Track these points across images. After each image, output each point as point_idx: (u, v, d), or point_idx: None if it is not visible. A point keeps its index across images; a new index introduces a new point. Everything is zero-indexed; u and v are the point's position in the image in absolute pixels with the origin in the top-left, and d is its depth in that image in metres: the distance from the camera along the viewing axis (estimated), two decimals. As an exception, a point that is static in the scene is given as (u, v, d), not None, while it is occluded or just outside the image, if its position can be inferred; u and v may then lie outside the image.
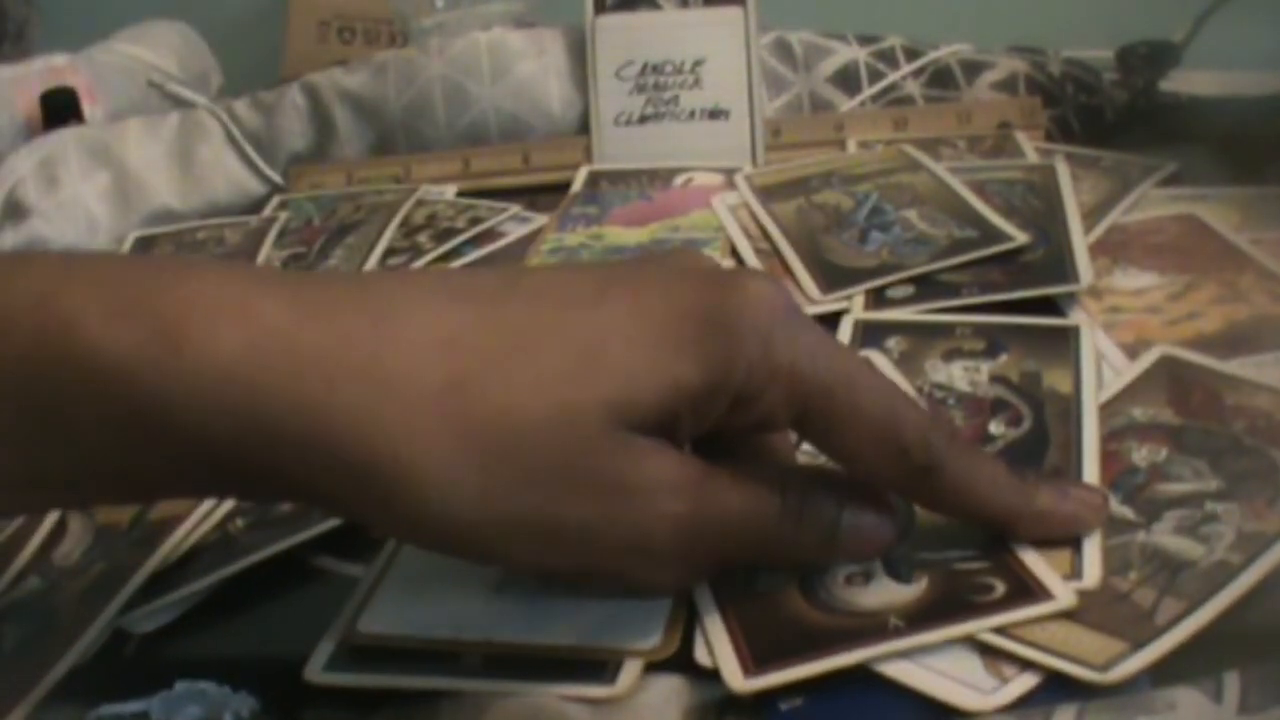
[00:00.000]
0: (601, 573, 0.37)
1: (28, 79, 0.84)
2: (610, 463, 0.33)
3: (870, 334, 0.53)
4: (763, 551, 0.37)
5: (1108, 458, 0.43)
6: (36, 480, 0.34)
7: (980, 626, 0.35)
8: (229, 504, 0.46)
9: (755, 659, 0.35)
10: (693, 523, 0.34)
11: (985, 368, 0.49)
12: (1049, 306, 0.54)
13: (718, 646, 0.36)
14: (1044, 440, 0.44)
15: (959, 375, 0.49)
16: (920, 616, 0.36)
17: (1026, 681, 0.34)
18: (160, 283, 0.33)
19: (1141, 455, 0.43)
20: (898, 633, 0.36)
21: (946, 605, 0.36)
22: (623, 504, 0.33)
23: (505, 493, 0.33)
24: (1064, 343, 0.50)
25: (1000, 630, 0.35)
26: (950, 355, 0.50)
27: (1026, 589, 0.37)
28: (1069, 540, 0.38)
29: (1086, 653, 0.34)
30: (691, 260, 0.38)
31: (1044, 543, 0.38)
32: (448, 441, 0.32)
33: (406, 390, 0.32)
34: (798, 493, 0.36)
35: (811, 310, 0.57)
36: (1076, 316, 0.53)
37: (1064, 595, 0.36)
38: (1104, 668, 0.34)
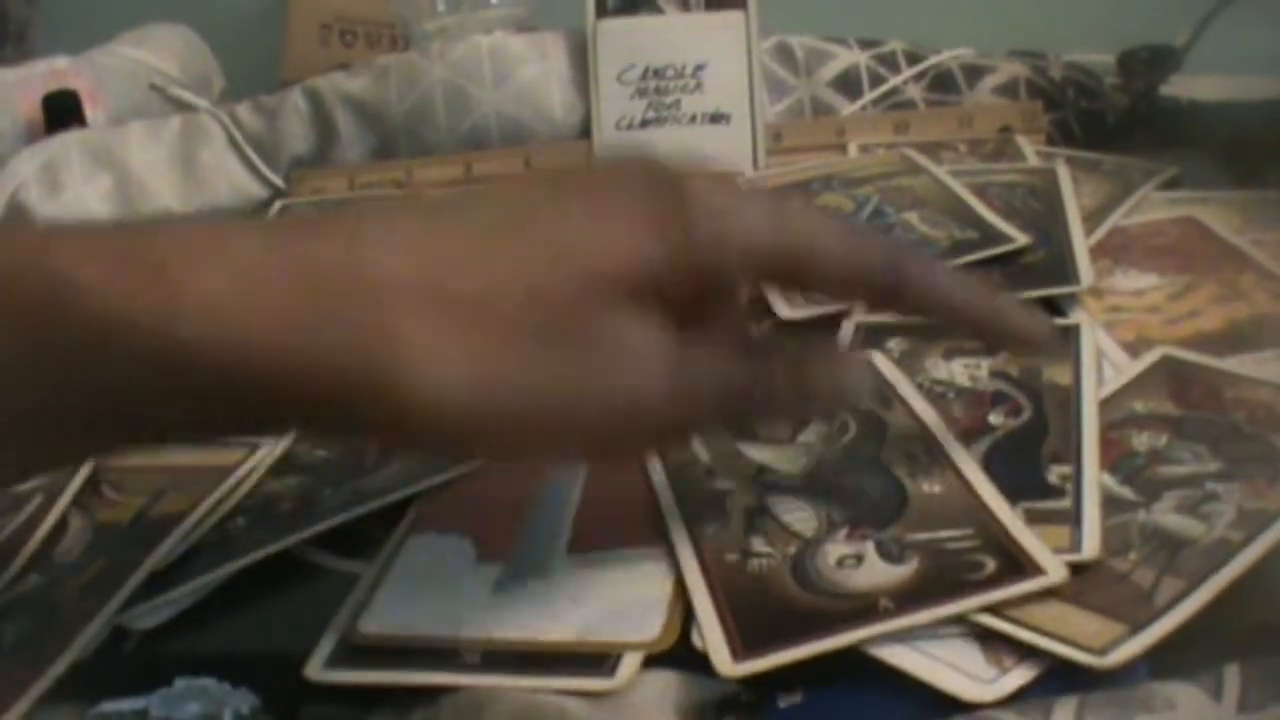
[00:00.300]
0: (588, 446, 0.37)
1: (30, 82, 0.84)
2: (591, 327, 0.34)
3: (871, 335, 0.53)
4: (738, 412, 0.39)
5: (1108, 444, 0.43)
6: (51, 427, 0.35)
7: (971, 605, 0.36)
8: (229, 502, 0.46)
9: (745, 644, 0.36)
10: (675, 383, 0.35)
11: (985, 364, 0.49)
12: (1050, 308, 0.54)
13: (708, 632, 0.36)
14: (1043, 428, 0.44)
15: (959, 372, 0.49)
16: (911, 596, 0.36)
17: (1025, 672, 0.34)
18: (140, 238, 0.35)
19: (1142, 440, 0.43)
20: (888, 614, 0.36)
21: (937, 584, 0.37)
22: (607, 363, 0.34)
23: (495, 366, 0.33)
24: (1064, 340, 0.50)
25: (998, 612, 0.36)
26: (951, 353, 0.50)
27: (1017, 565, 0.37)
28: (1068, 521, 0.39)
29: (1084, 636, 0.35)
30: (643, 161, 0.39)
31: (1040, 521, 0.39)
32: (433, 329, 0.33)
33: (387, 291, 0.33)
34: (763, 357, 0.39)
35: (813, 311, 0.57)
36: (1077, 316, 0.53)
37: (1055, 570, 0.36)
38: (1102, 651, 0.34)
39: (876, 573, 0.37)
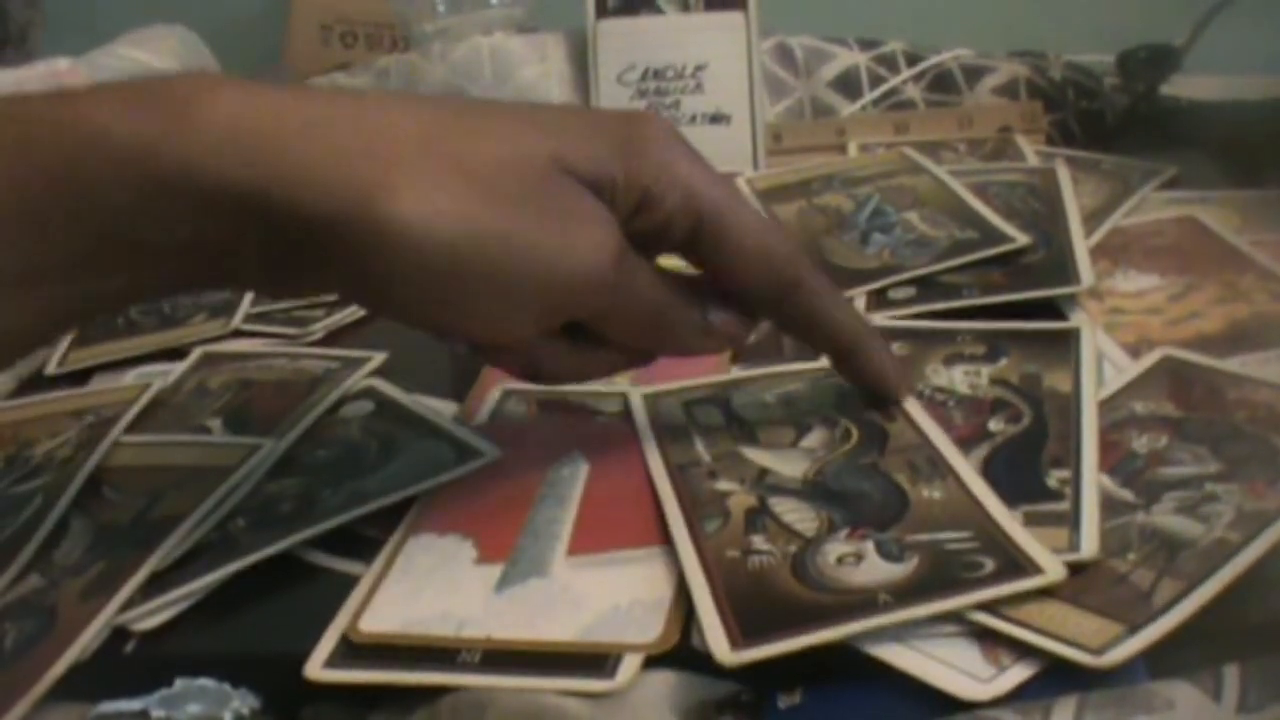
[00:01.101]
0: (536, 309, 0.40)
1: (30, 83, 0.84)
2: (561, 193, 0.39)
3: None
4: (659, 320, 0.43)
5: (1108, 446, 0.43)
6: (63, 266, 0.37)
7: (969, 601, 0.36)
8: (229, 503, 0.46)
9: (744, 633, 0.36)
10: (620, 268, 0.40)
11: (986, 371, 0.49)
12: (1050, 309, 0.54)
13: (706, 622, 0.36)
14: (1043, 434, 0.44)
15: (960, 379, 0.49)
16: (910, 593, 0.36)
17: (1023, 671, 0.34)
18: (163, 82, 0.38)
19: (1142, 443, 0.43)
20: (886, 608, 0.36)
21: (936, 582, 0.37)
22: (573, 228, 0.39)
23: (482, 211, 0.37)
24: (1065, 345, 0.50)
25: (996, 612, 0.36)
26: (951, 360, 0.50)
27: (1015, 564, 0.37)
28: (1067, 523, 0.39)
29: (1083, 635, 0.35)
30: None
31: (1039, 523, 0.39)
32: (428, 171, 0.37)
33: (390, 138, 0.37)
34: (675, 288, 0.43)
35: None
36: (1078, 318, 0.53)
37: (1053, 569, 0.36)
38: (1099, 651, 0.34)
39: (876, 570, 0.38)
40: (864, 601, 0.36)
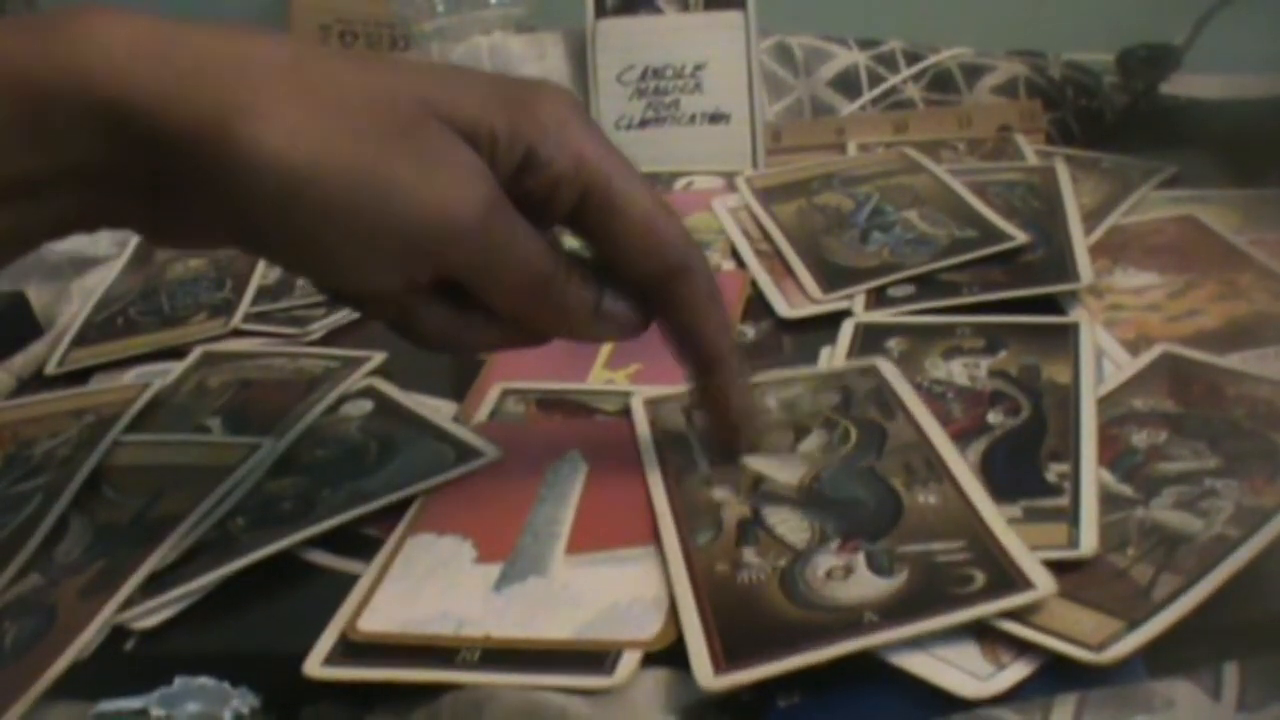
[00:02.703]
0: (398, 250, 0.38)
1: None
2: (429, 136, 0.38)
3: (871, 336, 0.53)
4: (544, 291, 0.41)
5: (1107, 441, 0.43)
6: None
7: (957, 619, 0.35)
8: (229, 502, 0.46)
9: (728, 657, 0.35)
10: (489, 215, 0.38)
11: (984, 364, 0.49)
12: (1051, 306, 0.54)
13: (692, 644, 0.36)
14: (1042, 427, 0.44)
15: (958, 371, 0.49)
16: (897, 610, 0.36)
17: (1023, 668, 0.34)
18: (45, 12, 0.37)
19: (1141, 438, 0.43)
20: (871, 628, 0.35)
21: (925, 598, 0.36)
22: (439, 171, 0.38)
23: (342, 143, 0.37)
24: (1063, 338, 0.50)
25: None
26: (950, 353, 0.50)
27: (1007, 579, 0.37)
28: (1066, 518, 0.39)
29: (1082, 632, 0.35)
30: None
31: (1038, 519, 0.39)
32: (291, 98, 0.36)
33: (258, 64, 0.37)
34: (569, 266, 0.41)
35: (813, 310, 0.57)
36: (1077, 314, 0.53)
37: (1044, 583, 0.36)
38: (1099, 647, 0.34)
39: (865, 585, 0.37)
40: (850, 621, 0.36)
